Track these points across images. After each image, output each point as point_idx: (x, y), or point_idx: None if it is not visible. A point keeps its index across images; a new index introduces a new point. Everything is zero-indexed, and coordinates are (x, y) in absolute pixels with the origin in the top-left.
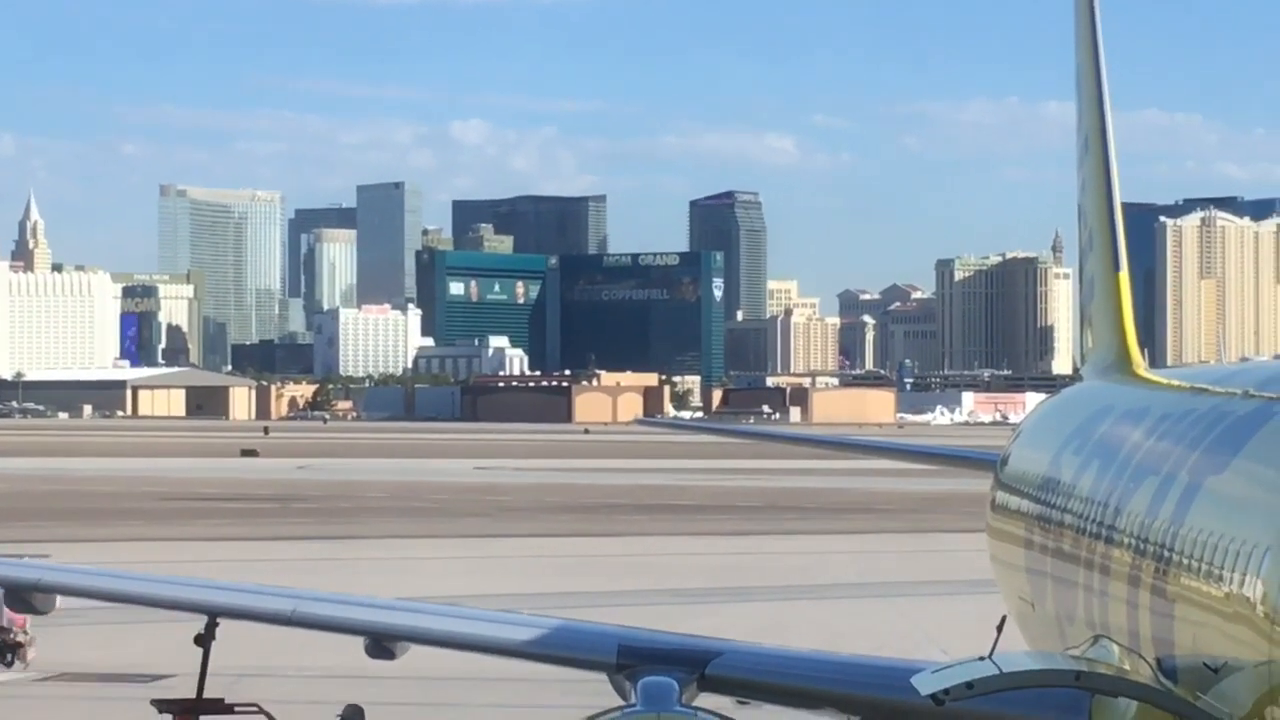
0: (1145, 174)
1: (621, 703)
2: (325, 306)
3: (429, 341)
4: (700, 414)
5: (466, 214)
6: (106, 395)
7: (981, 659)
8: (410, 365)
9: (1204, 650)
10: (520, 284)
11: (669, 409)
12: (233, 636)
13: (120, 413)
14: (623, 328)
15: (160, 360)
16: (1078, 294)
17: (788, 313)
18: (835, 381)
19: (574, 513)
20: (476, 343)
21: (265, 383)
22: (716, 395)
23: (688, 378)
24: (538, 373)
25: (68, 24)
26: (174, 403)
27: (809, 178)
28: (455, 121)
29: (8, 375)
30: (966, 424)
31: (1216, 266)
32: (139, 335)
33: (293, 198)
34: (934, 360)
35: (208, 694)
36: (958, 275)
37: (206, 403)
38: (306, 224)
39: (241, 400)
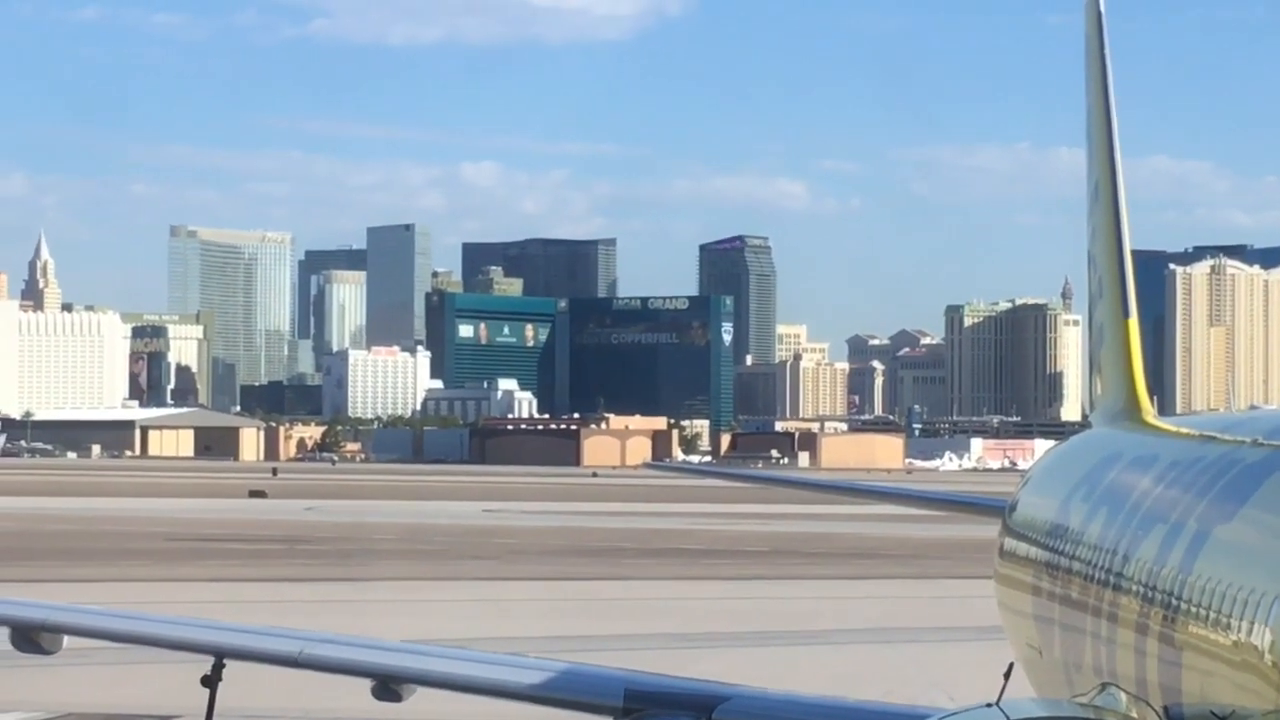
0: (1155, 221)
1: None
2: (334, 348)
3: (438, 383)
4: (709, 458)
5: (476, 256)
6: (115, 435)
7: (989, 705)
8: (419, 407)
9: (1212, 698)
10: (529, 327)
11: (677, 453)
12: (239, 678)
13: (129, 453)
14: (632, 371)
15: (169, 400)
16: (1087, 341)
17: (797, 357)
18: (844, 427)
19: (581, 556)
20: (485, 385)
21: (274, 424)
22: (725, 439)
23: (696, 422)
24: (546, 415)
25: (78, 64)
26: (182, 443)
27: (819, 223)
28: (466, 164)
29: (16, 414)
30: (975, 470)
31: (1226, 314)
32: (148, 375)
33: (303, 239)
34: (943, 406)
35: None
36: (967, 321)
37: (215, 443)
38: (316, 265)
39: (250, 441)
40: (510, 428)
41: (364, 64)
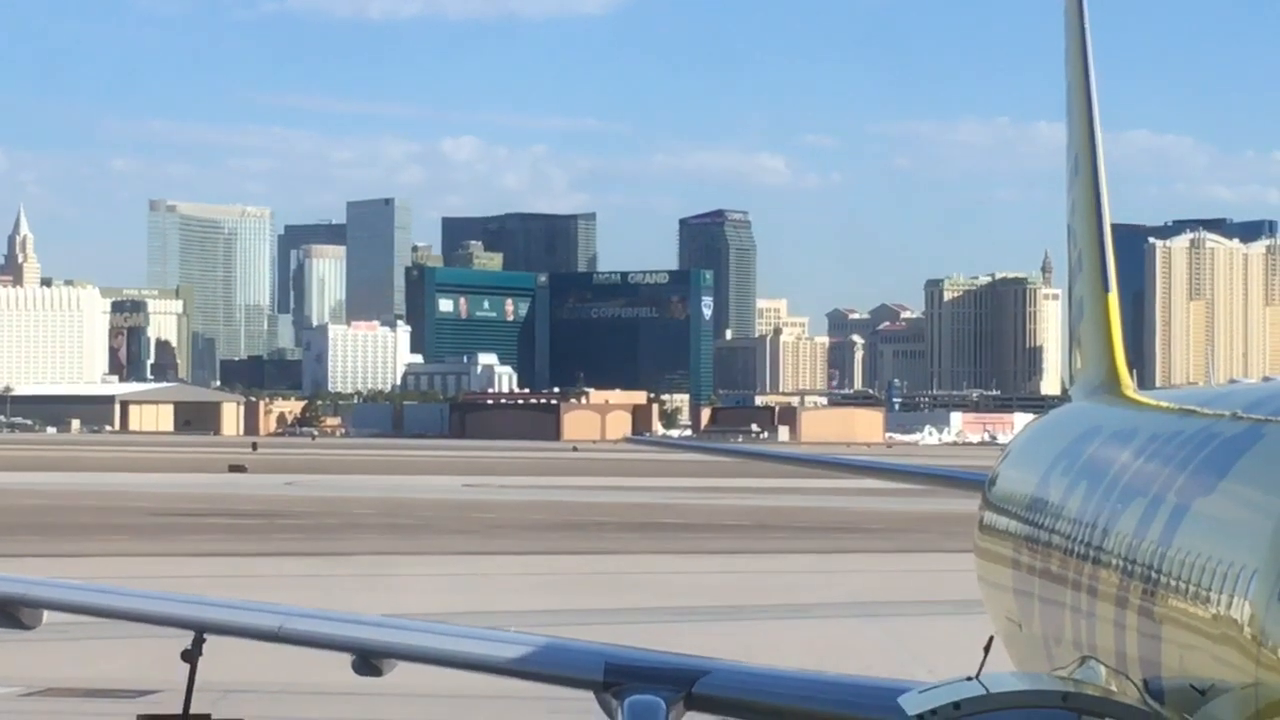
0: (1135, 195)
1: None
2: (314, 323)
3: (418, 358)
4: (689, 432)
5: (456, 231)
6: (95, 410)
7: (968, 679)
8: (399, 382)
9: (1191, 672)
10: (509, 301)
11: (657, 427)
12: (219, 652)
13: (108, 427)
14: (612, 346)
15: (149, 375)
16: (1067, 315)
17: (777, 332)
18: (824, 401)
19: (562, 530)
20: (465, 360)
21: (254, 398)
22: (705, 414)
23: (676, 396)
24: (526, 390)
25: (58, 38)
26: (162, 418)
27: (799, 197)
28: (446, 138)
29: None
30: (955, 444)
31: (1205, 288)
32: (128, 350)
33: (282, 214)
34: (922, 380)
35: (194, 710)
36: (947, 295)
37: (195, 418)
38: (296, 240)
39: (230, 416)
40: (490, 402)
41: (344, 39)
